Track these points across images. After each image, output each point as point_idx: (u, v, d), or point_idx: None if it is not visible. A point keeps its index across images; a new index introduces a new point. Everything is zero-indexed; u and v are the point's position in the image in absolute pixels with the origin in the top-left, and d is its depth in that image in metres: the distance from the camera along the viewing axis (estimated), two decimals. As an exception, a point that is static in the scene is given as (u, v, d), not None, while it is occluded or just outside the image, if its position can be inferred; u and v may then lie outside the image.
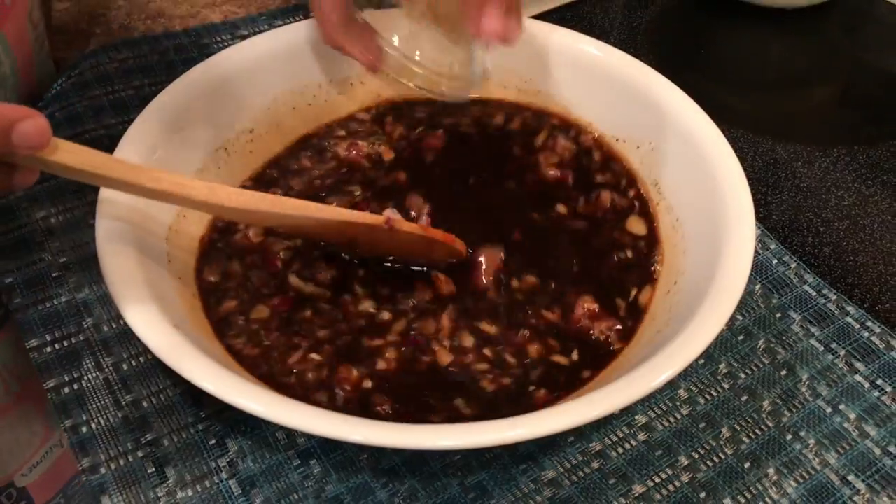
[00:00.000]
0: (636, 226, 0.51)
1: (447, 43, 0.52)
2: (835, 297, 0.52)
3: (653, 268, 0.49)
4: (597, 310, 0.46)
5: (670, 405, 0.46)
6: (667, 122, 0.52)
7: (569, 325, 0.46)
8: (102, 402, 0.45)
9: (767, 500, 0.43)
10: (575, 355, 0.45)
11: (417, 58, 0.52)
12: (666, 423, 0.46)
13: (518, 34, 0.46)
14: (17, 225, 0.53)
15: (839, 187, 0.60)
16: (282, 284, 0.47)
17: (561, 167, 0.54)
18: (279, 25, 0.62)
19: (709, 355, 0.49)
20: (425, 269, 0.48)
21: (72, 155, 0.37)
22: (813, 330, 0.50)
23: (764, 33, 0.76)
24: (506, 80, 0.58)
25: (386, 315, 0.46)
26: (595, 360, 0.45)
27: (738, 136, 0.64)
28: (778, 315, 0.51)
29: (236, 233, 0.50)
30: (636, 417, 0.46)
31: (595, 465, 0.44)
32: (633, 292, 0.48)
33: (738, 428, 0.46)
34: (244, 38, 0.63)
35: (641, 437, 0.45)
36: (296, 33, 0.56)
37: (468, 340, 0.45)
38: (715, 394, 0.47)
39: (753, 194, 0.47)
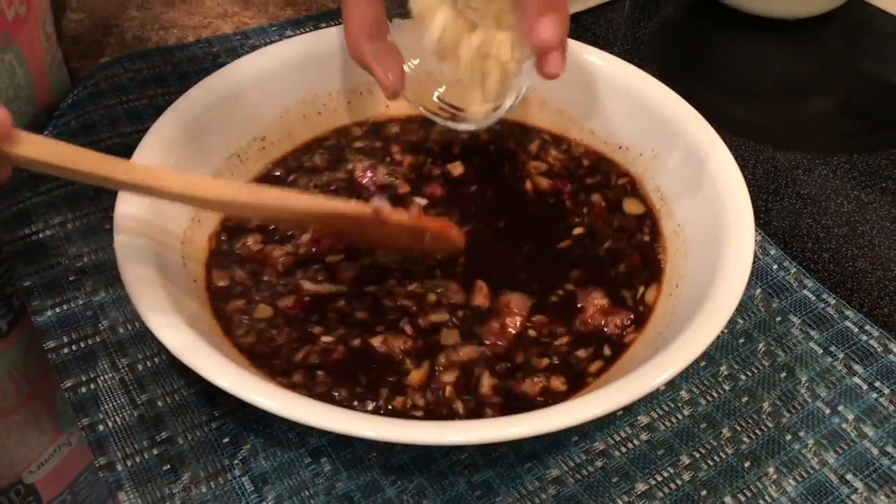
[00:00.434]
0: (633, 206, 0.53)
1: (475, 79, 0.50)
2: (834, 302, 0.53)
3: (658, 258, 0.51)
4: (607, 305, 0.48)
5: (672, 406, 0.47)
6: (669, 130, 0.53)
7: (584, 325, 0.48)
8: (118, 402, 0.46)
9: (767, 498, 0.44)
10: (590, 352, 0.47)
11: (442, 90, 0.52)
12: (668, 424, 0.47)
13: (562, 65, 0.46)
14: (34, 230, 0.54)
15: (839, 194, 0.62)
16: (294, 288, 0.48)
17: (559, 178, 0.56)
18: (289, 36, 0.63)
19: (710, 357, 0.50)
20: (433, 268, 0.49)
21: (38, 148, 0.36)
22: (812, 333, 0.51)
23: (765, 43, 0.77)
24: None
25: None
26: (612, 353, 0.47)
27: (740, 143, 0.65)
28: (778, 319, 0.52)
29: (238, 240, 0.51)
30: (639, 418, 0.47)
31: (598, 463, 0.45)
32: (641, 289, 0.49)
33: (738, 428, 0.47)
34: (255, 48, 0.65)
35: (644, 436, 0.46)
36: (306, 44, 0.57)
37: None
38: (716, 395, 0.48)
39: (754, 201, 0.48)
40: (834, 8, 0.77)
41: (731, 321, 0.51)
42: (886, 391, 0.48)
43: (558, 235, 0.52)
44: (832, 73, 0.76)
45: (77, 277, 0.52)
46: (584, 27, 0.76)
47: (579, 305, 0.48)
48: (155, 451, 0.44)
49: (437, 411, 0.43)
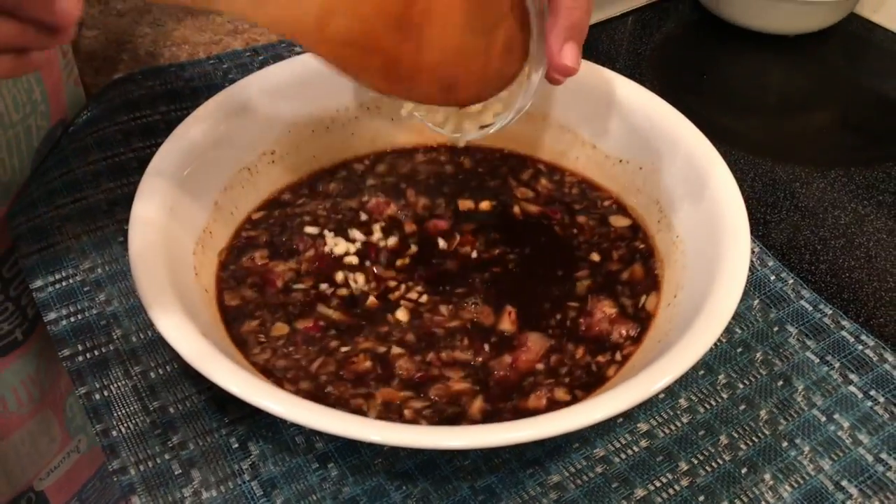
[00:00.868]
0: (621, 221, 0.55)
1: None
2: (830, 312, 0.54)
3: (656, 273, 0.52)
4: (615, 314, 0.50)
5: (671, 413, 0.48)
6: (668, 145, 0.54)
7: (589, 330, 0.49)
8: (131, 408, 0.48)
9: (763, 503, 0.45)
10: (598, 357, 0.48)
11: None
12: (667, 431, 0.48)
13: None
14: (51, 242, 0.56)
15: (836, 207, 0.63)
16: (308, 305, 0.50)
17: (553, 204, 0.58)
18: (298, 53, 0.65)
19: (709, 366, 0.51)
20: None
21: None
22: (809, 343, 0.52)
23: (765, 59, 0.79)
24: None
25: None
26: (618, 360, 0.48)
27: (739, 157, 0.66)
28: (775, 328, 0.53)
29: (244, 256, 0.53)
30: (638, 425, 0.48)
31: (599, 469, 0.46)
32: (642, 298, 0.51)
33: (736, 435, 0.48)
34: (265, 64, 0.67)
35: (643, 443, 0.47)
36: (315, 61, 0.59)
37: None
38: (714, 403, 0.49)
39: (753, 213, 0.49)
40: (832, 24, 0.79)
41: (730, 331, 0.52)
42: (881, 400, 0.49)
43: (567, 257, 0.54)
44: (830, 87, 0.77)
45: (91, 288, 0.54)
46: (587, 43, 0.77)
47: (588, 309, 0.50)
48: (167, 456, 0.46)
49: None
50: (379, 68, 0.44)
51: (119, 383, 0.49)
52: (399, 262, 0.53)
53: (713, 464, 0.46)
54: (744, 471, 0.46)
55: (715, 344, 0.51)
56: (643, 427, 0.48)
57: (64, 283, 0.54)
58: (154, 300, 0.43)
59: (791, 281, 0.55)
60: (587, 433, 0.47)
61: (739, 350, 0.52)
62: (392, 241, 0.54)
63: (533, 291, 0.52)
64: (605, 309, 0.50)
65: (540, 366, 0.48)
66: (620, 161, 0.57)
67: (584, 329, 0.50)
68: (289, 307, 0.50)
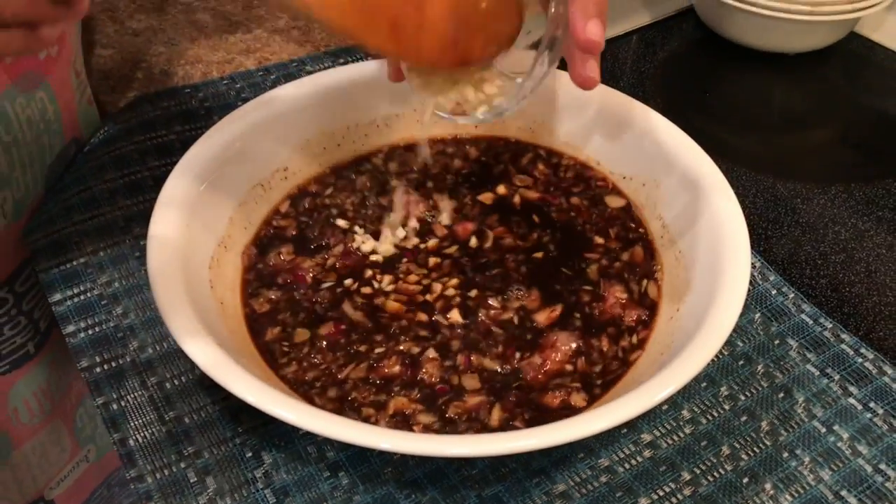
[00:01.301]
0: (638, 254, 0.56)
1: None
2: (830, 326, 0.55)
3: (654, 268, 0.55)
4: (626, 300, 0.52)
5: (674, 424, 0.50)
6: (670, 162, 0.56)
7: (602, 314, 0.52)
8: (148, 418, 0.49)
9: (764, 512, 0.46)
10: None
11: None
12: (670, 441, 0.49)
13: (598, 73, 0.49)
14: (69, 257, 0.57)
15: (836, 223, 0.64)
16: (326, 310, 0.52)
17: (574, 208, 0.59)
18: (309, 71, 0.67)
19: (711, 378, 0.52)
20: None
21: None
22: (809, 356, 0.53)
23: (766, 77, 0.80)
24: (520, 122, 0.62)
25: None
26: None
27: (741, 174, 0.68)
28: (776, 342, 0.54)
29: (270, 254, 0.55)
30: (642, 435, 0.49)
31: (603, 479, 0.47)
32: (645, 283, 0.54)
33: (737, 446, 0.49)
34: (277, 83, 0.68)
35: (647, 453, 0.48)
36: (326, 79, 0.60)
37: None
38: (716, 414, 0.50)
39: (755, 229, 0.50)
40: (833, 43, 0.80)
41: (732, 344, 0.54)
42: (880, 411, 0.50)
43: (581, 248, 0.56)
44: (831, 105, 0.78)
45: (108, 302, 0.55)
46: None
47: (602, 293, 0.53)
48: (182, 465, 0.47)
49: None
50: (386, 28, 0.45)
51: (136, 394, 0.50)
52: (433, 261, 0.55)
53: (715, 474, 0.47)
54: (745, 481, 0.47)
55: (717, 356, 0.52)
56: (647, 437, 0.49)
57: (82, 297, 0.55)
58: (171, 312, 0.44)
59: (792, 295, 0.57)
60: (592, 444, 0.48)
61: (741, 362, 0.53)
62: (428, 241, 0.56)
63: (558, 278, 0.54)
64: (617, 294, 0.52)
65: (569, 366, 0.49)
66: (624, 178, 0.59)
67: (598, 314, 0.52)
68: (315, 307, 0.52)
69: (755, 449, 0.49)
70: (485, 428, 0.46)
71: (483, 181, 0.60)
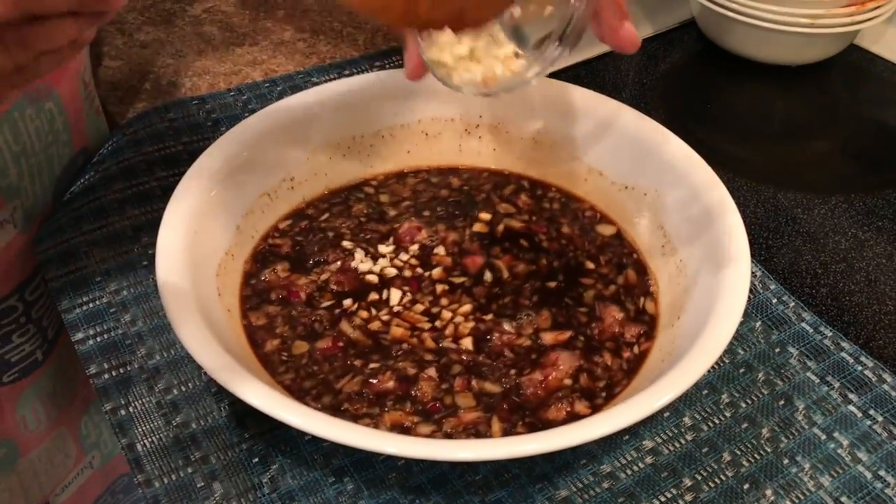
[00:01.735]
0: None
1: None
2: (830, 334, 0.55)
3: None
4: (623, 318, 0.53)
5: (676, 431, 0.50)
6: (671, 172, 0.56)
7: (601, 334, 0.52)
8: (155, 423, 0.50)
9: (765, 518, 0.46)
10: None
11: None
12: (671, 448, 0.49)
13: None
14: (78, 266, 0.58)
15: (837, 232, 0.65)
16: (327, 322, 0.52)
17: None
18: (315, 83, 0.67)
19: (712, 386, 0.52)
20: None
21: None
22: (810, 364, 0.54)
23: (767, 89, 0.81)
24: (523, 132, 0.63)
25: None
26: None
27: (742, 184, 0.68)
28: (777, 350, 0.55)
29: (266, 270, 0.55)
30: (644, 442, 0.50)
31: (605, 485, 0.48)
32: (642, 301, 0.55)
33: (738, 452, 0.49)
34: (283, 94, 0.69)
35: (649, 460, 0.49)
36: (331, 91, 0.61)
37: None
38: (717, 421, 0.51)
39: (755, 238, 0.51)
40: (833, 55, 0.81)
41: (733, 352, 0.54)
42: (880, 419, 0.51)
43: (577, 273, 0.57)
44: (831, 116, 0.79)
45: (117, 309, 0.56)
46: (594, 73, 0.80)
47: (598, 315, 0.53)
48: (189, 470, 0.47)
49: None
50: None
51: (143, 400, 0.51)
52: (440, 289, 0.55)
53: (716, 480, 0.48)
54: (746, 487, 0.48)
55: (718, 364, 0.53)
56: (648, 444, 0.49)
57: (91, 305, 0.56)
58: (180, 318, 0.45)
59: (792, 304, 0.57)
60: (594, 450, 0.49)
61: (742, 370, 0.53)
62: (432, 270, 0.56)
63: (562, 305, 0.55)
64: (614, 314, 0.53)
65: (568, 381, 0.50)
66: (626, 187, 0.59)
67: (598, 334, 0.52)
68: (315, 323, 0.52)
69: (756, 455, 0.49)
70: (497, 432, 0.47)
71: (470, 209, 0.61)
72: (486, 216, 0.60)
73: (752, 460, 0.49)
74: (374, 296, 0.54)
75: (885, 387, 0.52)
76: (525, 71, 0.50)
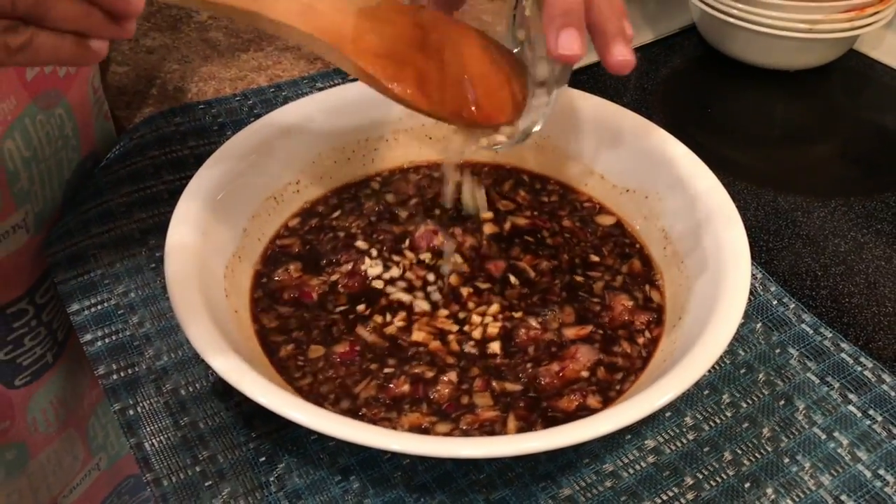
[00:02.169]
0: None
1: None
2: (830, 335, 0.56)
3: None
4: (632, 306, 0.54)
5: (677, 431, 0.51)
6: (673, 175, 0.57)
7: (612, 322, 0.54)
8: (163, 423, 0.50)
9: (766, 516, 0.47)
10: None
11: None
12: (673, 447, 0.50)
13: (629, 54, 0.48)
14: (87, 269, 0.59)
15: (836, 235, 0.65)
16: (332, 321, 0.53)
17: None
18: (320, 88, 0.68)
19: (713, 386, 0.53)
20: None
21: None
22: (810, 364, 0.54)
23: (767, 93, 0.82)
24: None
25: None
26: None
27: (743, 187, 0.69)
28: (777, 351, 0.55)
29: (279, 270, 0.56)
30: (646, 441, 0.50)
31: (608, 483, 0.48)
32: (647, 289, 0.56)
33: (739, 452, 0.50)
34: (288, 99, 0.70)
35: (650, 459, 0.49)
36: (336, 95, 0.62)
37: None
38: (719, 421, 0.51)
39: (756, 241, 0.51)
40: (833, 60, 0.82)
41: (733, 353, 0.55)
42: (879, 418, 0.51)
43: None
44: (831, 121, 0.80)
45: (125, 311, 0.57)
46: (595, 78, 0.80)
47: (609, 304, 0.54)
48: (198, 469, 0.48)
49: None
50: (413, 80, 0.47)
51: (151, 400, 0.52)
52: (466, 292, 0.55)
53: (717, 479, 0.48)
54: (747, 485, 0.48)
55: (719, 365, 0.54)
56: (650, 444, 0.50)
57: (99, 307, 0.57)
58: (188, 318, 0.45)
59: (793, 306, 0.58)
60: (597, 449, 0.49)
61: (743, 371, 0.54)
62: (450, 276, 0.57)
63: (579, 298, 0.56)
64: (623, 302, 0.54)
65: (585, 373, 0.51)
66: (627, 190, 0.60)
67: (609, 322, 0.53)
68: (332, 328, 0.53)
69: (757, 455, 0.50)
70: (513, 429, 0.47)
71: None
72: (488, 214, 0.61)
73: (753, 459, 0.49)
74: (384, 301, 0.55)
75: (885, 387, 0.53)
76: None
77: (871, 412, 0.52)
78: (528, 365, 0.51)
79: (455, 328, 0.53)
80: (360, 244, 0.58)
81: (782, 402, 0.52)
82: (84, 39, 0.38)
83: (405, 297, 0.55)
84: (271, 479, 0.48)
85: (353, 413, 0.48)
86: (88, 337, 0.55)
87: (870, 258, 0.63)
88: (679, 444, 0.50)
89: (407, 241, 0.58)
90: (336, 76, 0.77)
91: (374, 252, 0.58)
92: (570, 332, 0.53)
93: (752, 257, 0.51)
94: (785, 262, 0.63)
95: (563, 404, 0.49)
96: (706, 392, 0.53)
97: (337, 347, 0.51)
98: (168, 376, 0.53)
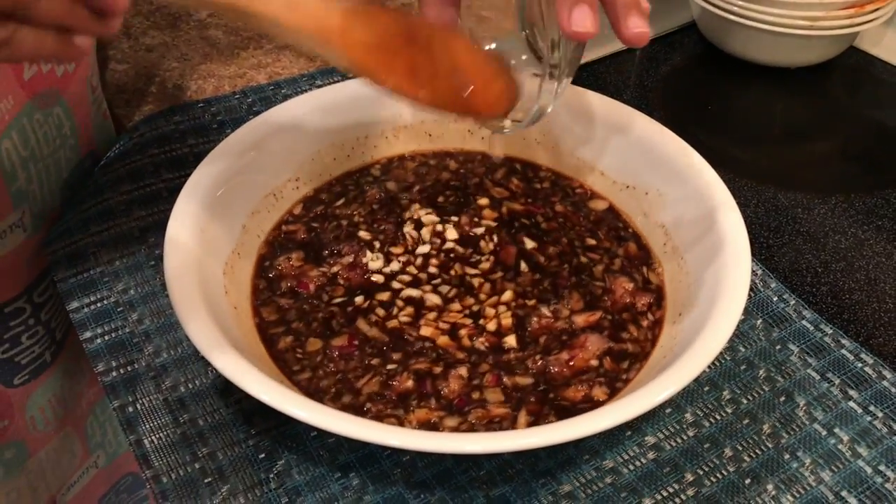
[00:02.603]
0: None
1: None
2: (831, 332, 0.56)
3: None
4: (633, 288, 0.55)
5: (678, 427, 0.51)
6: (673, 172, 0.57)
7: (614, 304, 0.54)
8: (163, 420, 0.50)
9: (766, 512, 0.47)
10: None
11: None
12: (673, 444, 0.50)
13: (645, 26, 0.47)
14: (86, 267, 0.59)
15: (836, 232, 0.65)
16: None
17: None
18: (319, 85, 0.68)
19: (714, 383, 0.53)
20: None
21: None
22: (810, 360, 0.54)
23: (768, 90, 0.82)
24: (526, 132, 0.64)
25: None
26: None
27: (743, 184, 0.69)
28: (778, 347, 0.55)
29: (280, 258, 0.56)
30: (646, 438, 0.50)
31: (608, 480, 0.48)
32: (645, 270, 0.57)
33: (739, 448, 0.50)
34: (288, 97, 0.70)
35: (651, 455, 0.49)
36: (335, 92, 0.62)
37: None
38: (719, 417, 0.51)
39: (756, 238, 0.51)
40: (833, 57, 0.82)
41: (734, 349, 0.55)
42: (880, 414, 0.51)
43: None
44: (831, 118, 0.80)
45: (124, 309, 0.56)
46: (595, 76, 0.80)
47: (610, 287, 0.55)
48: (197, 466, 0.48)
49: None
50: (405, 70, 0.47)
51: (151, 397, 0.51)
52: (478, 283, 0.55)
53: (718, 475, 0.48)
54: (747, 482, 0.48)
55: (719, 361, 0.54)
56: (651, 440, 0.50)
57: (99, 305, 0.57)
58: (188, 315, 0.45)
59: (793, 302, 0.58)
60: (597, 445, 0.49)
61: (743, 367, 0.54)
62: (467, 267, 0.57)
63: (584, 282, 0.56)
64: (624, 284, 0.55)
65: (594, 362, 0.51)
66: (627, 187, 0.60)
67: (611, 305, 0.54)
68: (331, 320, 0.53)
69: (757, 451, 0.50)
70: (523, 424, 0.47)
71: (468, 195, 0.62)
72: (484, 201, 0.61)
73: (754, 455, 0.49)
74: (385, 294, 0.54)
75: (885, 383, 0.53)
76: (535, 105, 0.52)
77: (871, 408, 0.52)
78: (539, 356, 0.50)
79: (469, 321, 0.53)
80: (363, 234, 0.58)
81: (783, 399, 0.52)
82: (68, 36, 0.37)
83: (414, 293, 0.54)
84: (271, 475, 0.48)
85: (356, 409, 0.48)
86: (88, 334, 0.55)
87: (870, 255, 0.63)
88: (679, 440, 0.50)
89: (411, 228, 0.58)
90: (336, 73, 0.77)
91: (377, 242, 0.57)
92: (580, 320, 0.53)
93: (753, 254, 0.51)
94: (785, 259, 0.63)
95: (570, 394, 0.49)
96: (706, 388, 0.53)
97: (335, 341, 0.51)
98: (167, 373, 0.53)
